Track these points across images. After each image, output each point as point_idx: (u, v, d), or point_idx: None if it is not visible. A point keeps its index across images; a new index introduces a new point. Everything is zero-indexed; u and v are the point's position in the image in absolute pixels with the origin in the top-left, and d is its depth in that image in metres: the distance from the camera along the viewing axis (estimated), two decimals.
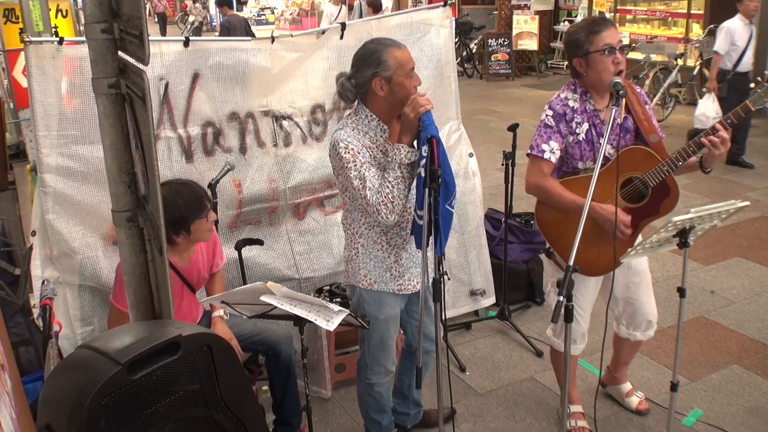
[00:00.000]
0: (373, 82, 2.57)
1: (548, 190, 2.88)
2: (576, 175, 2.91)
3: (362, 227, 2.75)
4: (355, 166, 2.56)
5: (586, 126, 2.88)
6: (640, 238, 3.04)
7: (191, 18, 20.90)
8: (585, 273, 2.87)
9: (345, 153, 2.56)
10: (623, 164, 2.79)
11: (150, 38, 1.51)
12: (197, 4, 22.91)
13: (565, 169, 2.96)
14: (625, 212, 2.84)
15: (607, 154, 2.83)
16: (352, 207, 2.74)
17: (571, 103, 2.89)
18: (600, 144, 2.83)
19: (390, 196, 2.53)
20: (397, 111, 2.60)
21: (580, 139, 2.88)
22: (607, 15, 12.27)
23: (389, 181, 2.54)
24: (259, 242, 3.56)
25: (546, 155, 2.86)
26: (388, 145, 2.63)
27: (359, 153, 2.57)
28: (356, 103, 2.70)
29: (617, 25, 11.89)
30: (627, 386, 3.47)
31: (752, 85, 2.85)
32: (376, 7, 12.34)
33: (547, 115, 2.89)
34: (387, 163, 2.58)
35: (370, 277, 2.78)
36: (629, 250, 2.67)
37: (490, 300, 4.29)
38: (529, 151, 2.90)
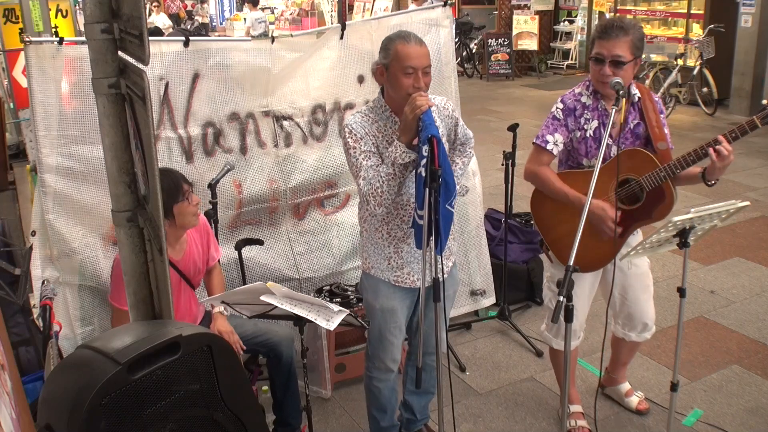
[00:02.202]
0: (377, 66, 2.66)
1: (541, 177, 2.94)
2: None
3: (366, 212, 2.80)
4: (355, 152, 2.63)
5: (595, 123, 2.89)
6: (640, 237, 3.04)
7: (197, 18, 20.98)
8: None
9: (348, 138, 2.64)
10: (622, 164, 2.79)
11: (150, 38, 1.51)
12: (205, 5, 23.07)
13: (570, 163, 3.00)
14: (612, 209, 2.83)
15: (610, 155, 2.83)
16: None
17: (583, 99, 2.91)
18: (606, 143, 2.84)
19: (379, 190, 2.56)
20: (403, 106, 2.61)
21: (588, 135, 2.89)
22: (607, 15, 12.27)
23: (381, 176, 2.56)
24: (259, 242, 3.57)
25: (549, 146, 2.90)
26: (395, 137, 2.64)
27: (362, 140, 2.63)
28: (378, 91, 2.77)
29: None
30: (626, 386, 3.47)
31: (764, 101, 2.86)
32: (254, 1, 13.35)
33: (557, 108, 2.93)
34: (385, 157, 2.59)
35: (369, 262, 2.84)
36: (629, 250, 2.66)
37: (490, 300, 4.29)
38: (534, 140, 2.96)
